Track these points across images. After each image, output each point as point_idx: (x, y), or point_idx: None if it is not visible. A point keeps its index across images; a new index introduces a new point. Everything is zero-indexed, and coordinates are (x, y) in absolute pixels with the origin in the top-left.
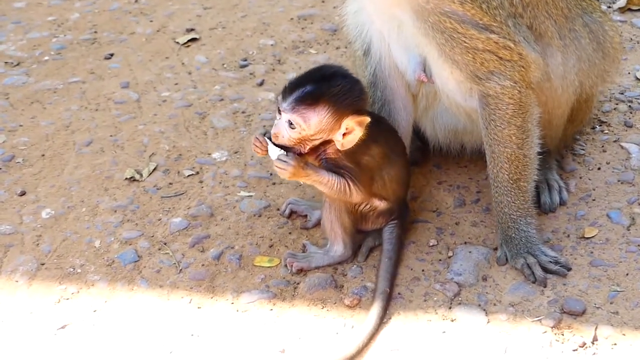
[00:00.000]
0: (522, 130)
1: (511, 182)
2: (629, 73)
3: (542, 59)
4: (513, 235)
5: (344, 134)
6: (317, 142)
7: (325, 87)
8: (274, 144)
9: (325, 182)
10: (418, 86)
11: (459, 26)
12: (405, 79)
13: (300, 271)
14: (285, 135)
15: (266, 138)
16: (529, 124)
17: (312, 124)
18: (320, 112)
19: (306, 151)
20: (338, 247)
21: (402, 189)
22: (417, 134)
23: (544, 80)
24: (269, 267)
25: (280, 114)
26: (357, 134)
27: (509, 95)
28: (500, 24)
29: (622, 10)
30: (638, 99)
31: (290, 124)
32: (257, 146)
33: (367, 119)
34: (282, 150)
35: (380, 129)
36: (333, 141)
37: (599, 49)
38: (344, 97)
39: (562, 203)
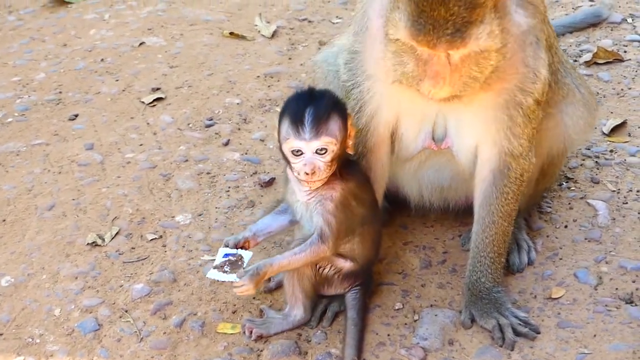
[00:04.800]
0: (517, 207)
1: (497, 255)
2: (595, 128)
3: None
4: (483, 296)
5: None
6: (339, 153)
7: (323, 100)
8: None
9: (287, 264)
10: (419, 151)
11: (535, 109)
12: (408, 146)
13: (260, 338)
14: (321, 164)
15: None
16: None
17: (337, 133)
18: (335, 119)
19: (332, 171)
20: (298, 312)
21: (373, 253)
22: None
23: None
24: (232, 333)
25: (299, 155)
26: (353, 135)
27: (529, 172)
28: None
29: (588, 64)
30: (604, 154)
31: (320, 150)
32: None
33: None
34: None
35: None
36: (336, 187)
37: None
38: (338, 102)
39: (530, 263)
